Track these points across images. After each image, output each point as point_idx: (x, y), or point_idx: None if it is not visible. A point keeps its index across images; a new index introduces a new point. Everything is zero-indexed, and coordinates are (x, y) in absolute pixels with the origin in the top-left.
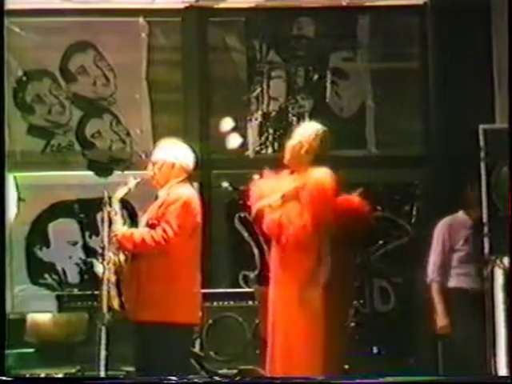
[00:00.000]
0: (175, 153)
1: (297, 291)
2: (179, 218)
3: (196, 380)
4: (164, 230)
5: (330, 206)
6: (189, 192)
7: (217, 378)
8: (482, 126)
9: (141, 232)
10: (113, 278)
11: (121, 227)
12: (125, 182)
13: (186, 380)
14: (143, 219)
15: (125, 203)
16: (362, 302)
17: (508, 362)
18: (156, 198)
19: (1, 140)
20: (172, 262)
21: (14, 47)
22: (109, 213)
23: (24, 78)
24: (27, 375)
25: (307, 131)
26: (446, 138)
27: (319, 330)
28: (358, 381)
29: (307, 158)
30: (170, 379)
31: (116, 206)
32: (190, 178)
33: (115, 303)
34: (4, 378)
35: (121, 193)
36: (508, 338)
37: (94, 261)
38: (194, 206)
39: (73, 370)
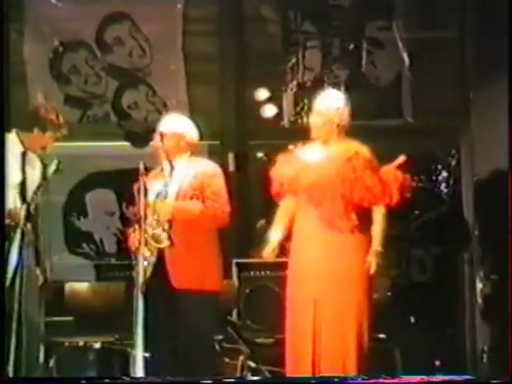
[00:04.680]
0: (183, 126)
1: (359, 264)
2: (223, 190)
3: (205, 381)
4: (219, 203)
5: (367, 175)
6: (215, 165)
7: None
8: None
9: (195, 205)
10: (150, 248)
11: (165, 199)
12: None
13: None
14: (173, 189)
15: None
16: (400, 272)
17: (508, 361)
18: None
19: (1, 139)
20: (206, 234)
21: (50, 18)
22: (145, 183)
23: (60, 49)
24: (66, 343)
25: (332, 104)
26: (485, 111)
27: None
28: (359, 381)
29: (334, 131)
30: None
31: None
32: (195, 151)
33: (151, 272)
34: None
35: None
36: (508, 338)
37: (131, 231)
38: (221, 179)
39: (111, 339)
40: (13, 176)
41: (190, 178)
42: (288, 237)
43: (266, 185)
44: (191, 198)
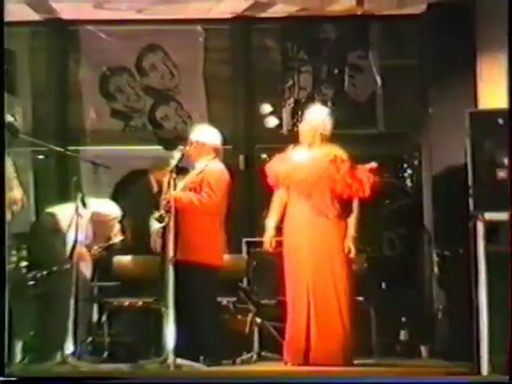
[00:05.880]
0: (206, 135)
1: (333, 240)
2: (218, 185)
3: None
4: (209, 195)
5: (346, 174)
6: (221, 166)
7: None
8: (467, 110)
9: (187, 195)
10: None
11: (173, 191)
12: (173, 156)
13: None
14: (181, 183)
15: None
16: (374, 248)
17: (508, 361)
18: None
19: (1, 140)
20: (209, 218)
21: (100, 49)
22: (174, 179)
23: (108, 73)
24: (114, 303)
25: (317, 117)
26: (440, 121)
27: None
28: (359, 381)
29: (318, 137)
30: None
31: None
32: (218, 155)
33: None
34: (4, 378)
35: (173, 163)
36: (508, 338)
37: (155, 214)
38: (225, 176)
39: (149, 300)
40: None
41: (195, 173)
42: (281, 221)
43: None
44: (190, 190)
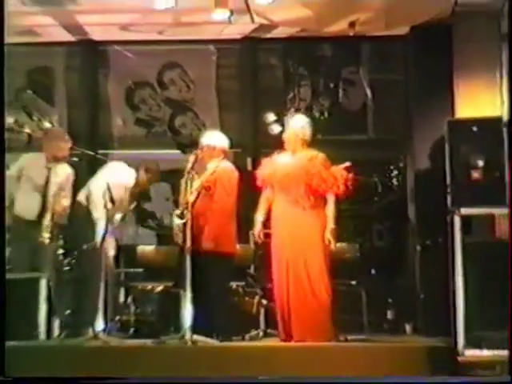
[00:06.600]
0: (215, 139)
1: (317, 232)
2: (230, 183)
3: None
4: (219, 193)
5: (322, 170)
6: (230, 165)
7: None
8: (447, 119)
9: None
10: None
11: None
12: (188, 159)
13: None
14: (197, 183)
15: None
16: (365, 239)
17: (508, 361)
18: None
19: (1, 141)
20: (223, 212)
21: (126, 65)
22: (191, 179)
23: (132, 87)
24: (139, 287)
25: (298, 124)
26: (423, 128)
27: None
28: (359, 381)
29: (299, 143)
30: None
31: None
32: (226, 157)
33: (188, 240)
34: (4, 378)
35: (189, 165)
36: (508, 337)
37: (177, 211)
38: (235, 174)
39: (169, 284)
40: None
41: (208, 173)
42: (268, 216)
43: None
44: (205, 188)
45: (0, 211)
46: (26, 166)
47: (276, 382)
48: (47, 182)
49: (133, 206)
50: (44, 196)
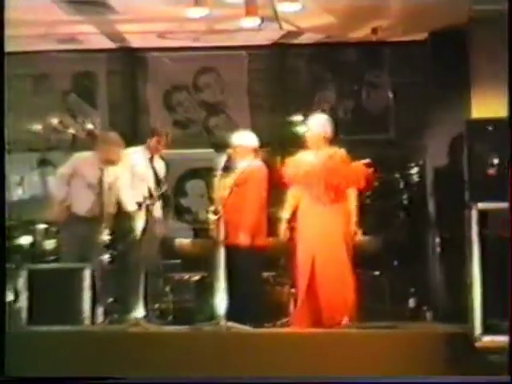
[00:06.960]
0: (246, 139)
1: (339, 227)
2: (260, 181)
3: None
4: (250, 189)
5: (343, 167)
6: (261, 164)
7: None
8: (465, 119)
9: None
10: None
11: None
12: (221, 158)
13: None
14: (229, 180)
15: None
16: (388, 232)
17: (508, 361)
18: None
19: (1, 141)
20: (253, 208)
21: (164, 71)
22: (223, 176)
23: (170, 90)
24: (176, 277)
25: (319, 123)
26: (442, 127)
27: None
28: (358, 381)
29: (321, 141)
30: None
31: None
32: (256, 155)
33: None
34: (4, 378)
35: (221, 164)
36: (507, 337)
37: (211, 207)
38: (265, 172)
39: (204, 274)
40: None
41: (239, 171)
42: (294, 214)
43: None
44: (236, 186)
45: (0, 211)
46: (78, 164)
47: (276, 382)
48: (100, 181)
49: (165, 188)
50: (98, 194)
